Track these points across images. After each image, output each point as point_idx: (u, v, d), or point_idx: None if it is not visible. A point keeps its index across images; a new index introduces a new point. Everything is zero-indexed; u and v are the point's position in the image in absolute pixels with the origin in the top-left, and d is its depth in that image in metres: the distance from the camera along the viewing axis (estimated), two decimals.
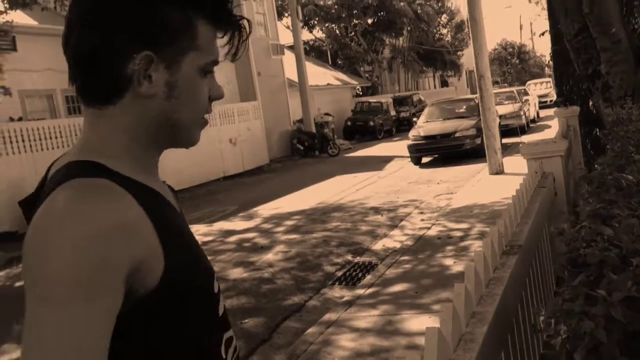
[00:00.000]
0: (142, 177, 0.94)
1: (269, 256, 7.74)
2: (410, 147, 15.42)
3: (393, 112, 27.69)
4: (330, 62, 33.19)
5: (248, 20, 1.00)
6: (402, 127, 26.82)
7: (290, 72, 22.22)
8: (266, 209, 11.28)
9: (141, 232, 0.86)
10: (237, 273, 7.14)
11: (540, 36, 7.18)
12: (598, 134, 4.93)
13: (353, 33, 33.55)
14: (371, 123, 25.52)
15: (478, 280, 1.54)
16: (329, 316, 5.08)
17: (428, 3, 36.31)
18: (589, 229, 1.06)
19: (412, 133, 15.76)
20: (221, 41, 0.98)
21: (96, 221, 0.81)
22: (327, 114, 22.81)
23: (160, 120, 0.95)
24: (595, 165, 3.14)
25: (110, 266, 0.81)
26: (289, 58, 22.55)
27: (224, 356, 1.02)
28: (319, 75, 27.02)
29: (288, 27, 26.01)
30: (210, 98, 1.01)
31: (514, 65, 55.05)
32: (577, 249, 1.03)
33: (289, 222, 9.81)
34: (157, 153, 1.01)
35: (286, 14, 27.04)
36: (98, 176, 0.88)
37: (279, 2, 26.90)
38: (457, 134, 15.14)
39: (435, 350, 1.01)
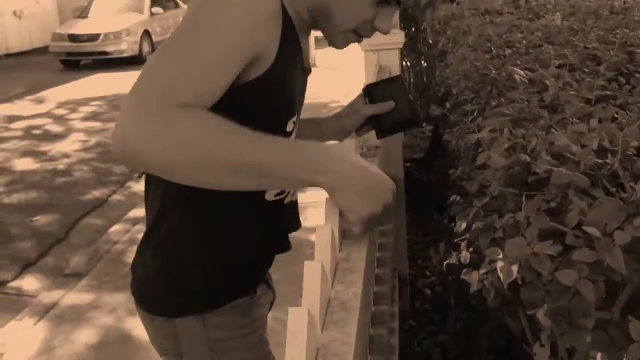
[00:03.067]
0: (299, 24, 1.06)
1: (64, 145, 6.90)
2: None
3: None
4: None
5: None
6: None
7: None
8: (59, 93, 10.05)
9: (276, 28, 0.98)
10: (25, 164, 6.26)
11: None
12: (423, 27, 4.87)
13: None
14: None
15: None
16: (136, 212, 4.62)
17: None
18: (536, 137, 0.79)
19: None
20: None
21: None
22: None
23: (322, 3, 1.05)
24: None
25: (258, 23, 0.93)
26: None
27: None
28: None
29: None
30: (372, 25, 1.08)
31: None
32: (525, 162, 0.76)
33: (88, 109, 8.84)
34: (311, 26, 1.11)
35: None
36: None
37: None
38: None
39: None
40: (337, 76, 9.70)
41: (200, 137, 0.83)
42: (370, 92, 1.36)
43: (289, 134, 1.11)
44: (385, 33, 1.10)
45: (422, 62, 5.70)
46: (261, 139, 0.87)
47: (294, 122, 1.12)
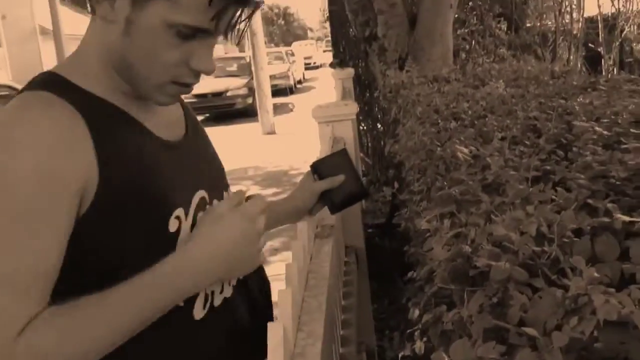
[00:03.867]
0: (119, 98, 0.94)
1: None
2: None
3: None
4: (89, 9, 30.35)
5: None
6: None
7: (43, 18, 19.81)
8: None
9: (79, 144, 0.85)
10: None
11: None
12: (376, 95, 4.98)
13: None
14: None
15: (300, 282, 1.24)
16: None
17: None
18: (477, 228, 0.80)
19: None
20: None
21: (33, 132, 0.82)
22: None
23: (118, 55, 0.91)
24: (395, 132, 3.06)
25: (53, 177, 0.82)
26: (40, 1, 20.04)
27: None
28: (78, 22, 24.59)
29: None
30: (190, 67, 0.91)
31: (279, 26, 56.32)
32: (465, 255, 0.76)
33: None
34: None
35: None
36: (47, 89, 0.88)
37: None
38: (228, 93, 14.88)
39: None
40: (296, 142, 9.79)
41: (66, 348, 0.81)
42: (318, 168, 1.40)
43: (173, 235, 0.94)
44: (208, 73, 0.93)
45: (379, 125, 5.81)
46: (112, 302, 0.84)
47: (183, 214, 0.95)
